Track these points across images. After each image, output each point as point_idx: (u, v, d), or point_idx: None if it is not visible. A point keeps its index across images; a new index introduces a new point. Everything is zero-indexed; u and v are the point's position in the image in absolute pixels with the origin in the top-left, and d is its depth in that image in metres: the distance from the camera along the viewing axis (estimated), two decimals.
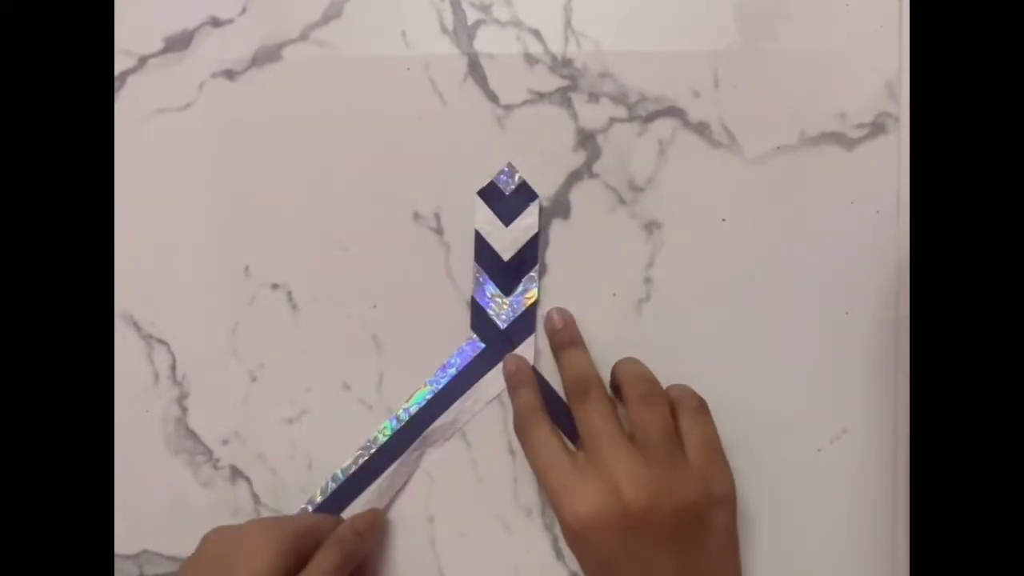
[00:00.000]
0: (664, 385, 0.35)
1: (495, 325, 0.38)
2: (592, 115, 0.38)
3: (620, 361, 0.36)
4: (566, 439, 0.34)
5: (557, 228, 0.38)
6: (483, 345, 0.38)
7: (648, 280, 0.37)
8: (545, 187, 0.38)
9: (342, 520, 0.36)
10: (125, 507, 0.38)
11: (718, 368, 0.36)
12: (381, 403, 0.38)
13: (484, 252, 0.38)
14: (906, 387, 0.36)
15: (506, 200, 0.38)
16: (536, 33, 0.38)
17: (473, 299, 0.38)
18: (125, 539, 0.38)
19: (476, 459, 0.38)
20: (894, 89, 0.37)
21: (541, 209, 0.38)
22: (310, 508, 0.38)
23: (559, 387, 0.37)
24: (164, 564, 0.38)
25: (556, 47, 0.38)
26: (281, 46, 0.39)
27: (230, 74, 0.39)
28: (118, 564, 0.38)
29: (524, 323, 0.37)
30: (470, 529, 0.37)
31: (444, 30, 0.38)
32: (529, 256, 0.37)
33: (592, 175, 0.38)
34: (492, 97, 0.38)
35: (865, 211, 0.37)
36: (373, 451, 0.38)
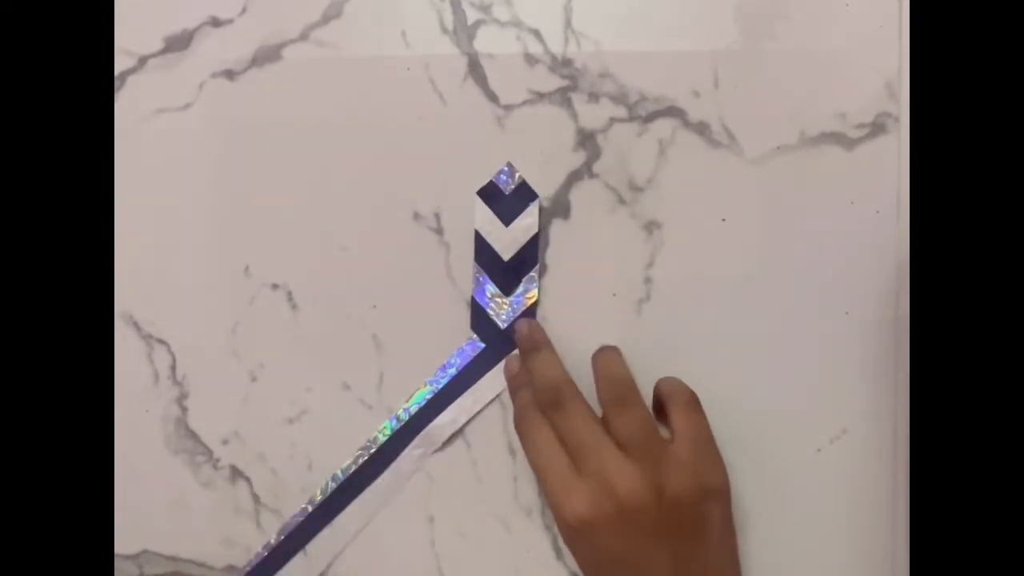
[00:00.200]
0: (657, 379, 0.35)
1: (495, 325, 0.38)
2: (592, 115, 0.38)
3: (596, 355, 0.35)
4: None
5: (557, 228, 0.38)
6: (483, 345, 0.38)
7: (648, 280, 0.37)
8: (545, 187, 0.38)
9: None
10: (125, 507, 0.38)
11: (718, 368, 0.36)
12: (381, 403, 0.38)
13: (484, 252, 0.38)
14: (906, 387, 0.36)
15: (506, 200, 0.38)
16: (536, 33, 0.38)
17: (473, 299, 0.38)
18: (125, 539, 0.38)
19: (476, 459, 0.38)
20: (894, 89, 0.37)
21: (541, 209, 0.38)
22: (310, 508, 0.38)
23: None
24: (164, 564, 0.38)
25: (556, 47, 0.38)
26: (281, 46, 0.39)
27: (230, 74, 0.39)
28: (118, 564, 0.38)
29: None
30: (470, 529, 0.37)
31: (444, 30, 0.38)
32: (529, 256, 0.37)
33: (592, 175, 0.38)
34: (492, 97, 0.38)
35: (865, 211, 0.37)
36: (373, 451, 0.38)
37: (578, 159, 0.38)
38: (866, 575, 0.36)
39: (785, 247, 0.37)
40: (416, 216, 0.38)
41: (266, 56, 0.39)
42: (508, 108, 0.38)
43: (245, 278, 0.39)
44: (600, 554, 0.31)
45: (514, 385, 0.36)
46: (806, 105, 0.37)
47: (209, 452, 0.38)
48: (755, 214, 0.37)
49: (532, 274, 0.38)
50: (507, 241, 0.38)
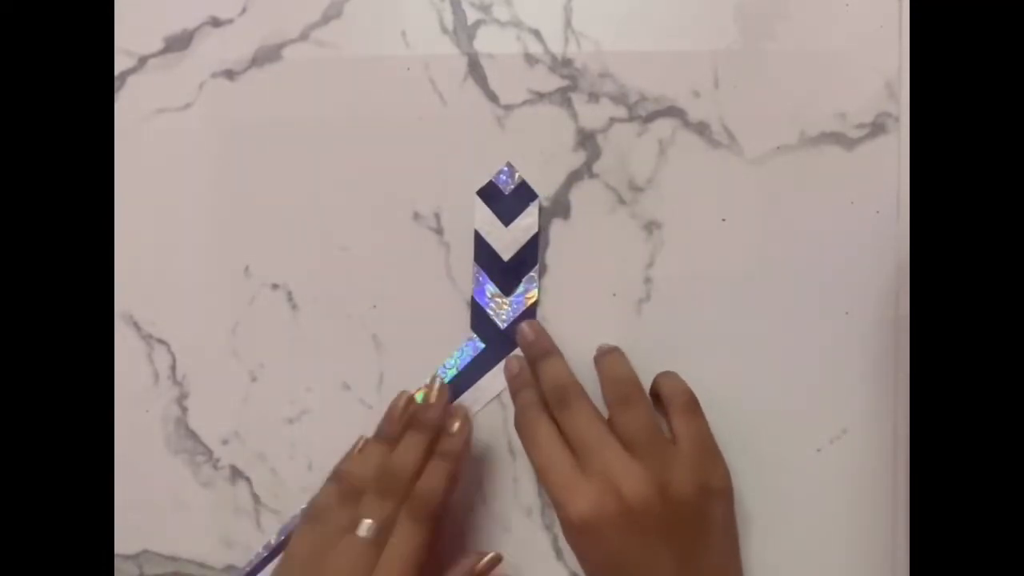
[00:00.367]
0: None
1: (495, 325, 0.38)
2: (592, 115, 0.38)
3: (601, 357, 0.36)
4: None
5: (557, 228, 0.38)
6: (483, 345, 0.38)
7: (648, 280, 0.37)
8: (545, 187, 0.38)
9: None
10: (125, 507, 0.38)
11: (718, 368, 0.36)
12: (381, 403, 0.38)
13: (484, 252, 0.38)
14: (906, 387, 0.36)
15: (506, 200, 0.38)
16: (536, 33, 0.38)
17: (473, 299, 0.38)
18: (125, 539, 0.38)
19: (476, 459, 0.38)
20: (894, 89, 0.37)
21: (541, 209, 0.38)
22: None
23: None
24: (164, 564, 0.38)
25: (556, 47, 0.38)
26: (281, 46, 0.39)
27: (230, 74, 0.39)
28: (118, 564, 0.38)
29: None
30: (470, 529, 0.37)
31: (444, 30, 0.38)
32: (529, 256, 0.37)
33: (592, 175, 0.38)
34: (492, 97, 0.38)
35: (865, 211, 0.37)
36: None
37: (578, 159, 0.38)
38: (866, 575, 0.36)
39: (785, 247, 0.37)
40: (416, 216, 0.38)
41: (266, 56, 0.39)
42: (508, 108, 0.38)
43: (245, 278, 0.39)
44: (603, 553, 0.31)
45: (515, 386, 0.36)
46: (806, 105, 0.37)
47: (209, 452, 0.38)
48: (755, 214, 0.37)
49: (532, 274, 0.38)
50: (507, 241, 0.38)
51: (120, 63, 0.39)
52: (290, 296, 0.38)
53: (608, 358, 0.35)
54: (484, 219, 0.38)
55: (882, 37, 0.37)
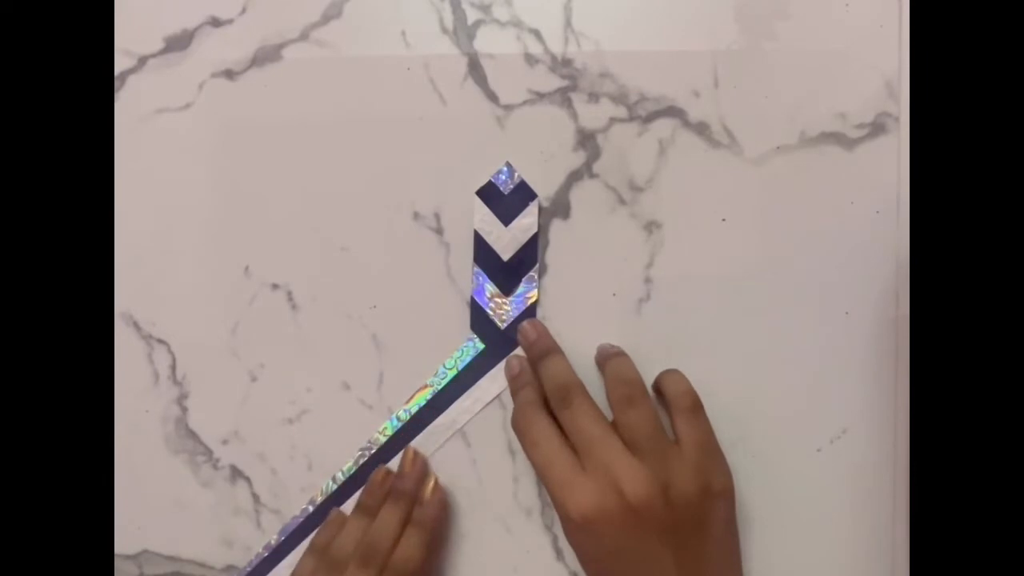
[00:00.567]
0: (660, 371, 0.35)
1: (495, 325, 0.38)
2: (592, 115, 0.38)
3: (606, 360, 0.36)
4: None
5: (557, 228, 0.38)
6: (483, 345, 0.38)
7: (648, 280, 0.37)
8: (545, 187, 0.38)
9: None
10: (125, 507, 0.38)
11: (718, 368, 0.36)
12: (381, 403, 0.38)
13: (483, 252, 0.38)
14: (906, 387, 0.36)
15: (505, 200, 0.38)
16: (536, 33, 0.38)
17: (473, 299, 0.38)
18: (125, 539, 0.38)
19: (476, 459, 0.38)
20: (894, 89, 0.37)
21: (541, 209, 0.38)
22: (311, 508, 0.38)
23: None
24: (164, 564, 0.38)
25: (556, 47, 0.38)
26: (281, 46, 0.39)
27: (230, 74, 0.39)
28: (118, 564, 0.38)
29: None
30: (470, 529, 0.37)
31: (444, 30, 0.38)
32: (529, 256, 0.37)
33: (592, 175, 0.38)
34: (492, 97, 0.38)
35: (865, 211, 0.37)
36: (373, 451, 0.38)
37: (578, 159, 0.38)
38: (866, 575, 0.36)
39: (785, 247, 0.37)
40: (416, 216, 0.38)
41: (266, 56, 0.39)
42: (508, 108, 0.38)
43: (245, 278, 0.39)
44: (603, 550, 0.31)
45: (515, 385, 0.36)
46: (806, 105, 0.37)
47: (209, 452, 0.38)
48: (755, 214, 0.37)
49: (532, 274, 0.38)
50: (507, 241, 0.38)
51: (120, 63, 0.39)
52: (290, 296, 0.38)
53: (613, 360, 0.35)
54: (484, 219, 0.38)
55: (882, 37, 0.37)
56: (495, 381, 0.37)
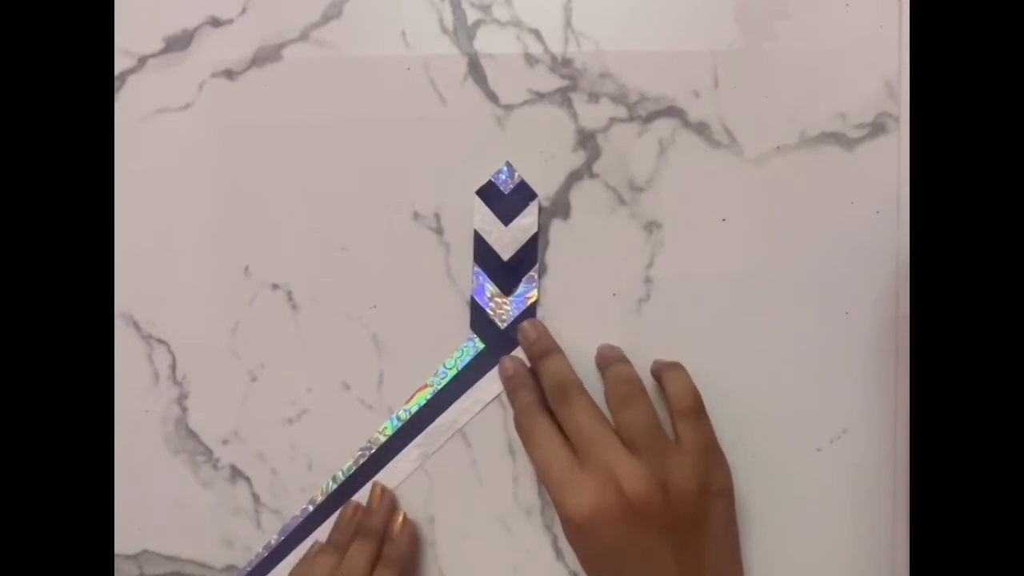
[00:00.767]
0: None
1: (495, 325, 0.38)
2: (592, 115, 0.38)
3: (606, 362, 0.36)
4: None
5: (557, 228, 0.38)
6: (483, 345, 0.38)
7: (648, 280, 0.37)
8: (545, 187, 0.38)
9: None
10: (125, 507, 0.38)
11: (718, 368, 0.36)
12: (381, 403, 0.38)
13: (483, 252, 0.38)
14: (906, 387, 0.36)
15: (505, 200, 0.38)
16: (536, 33, 0.38)
17: (473, 299, 0.38)
18: (125, 539, 0.38)
19: (476, 459, 0.38)
20: (894, 89, 0.37)
21: (541, 209, 0.38)
22: (311, 508, 0.38)
23: None
24: (164, 564, 0.38)
25: (556, 47, 0.38)
26: (281, 46, 0.39)
27: (230, 74, 0.39)
28: (118, 564, 0.38)
29: None
30: (470, 529, 0.37)
31: (444, 30, 0.38)
32: (529, 256, 0.37)
33: (592, 175, 0.38)
34: (492, 97, 0.38)
35: (865, 211, 0.37)
36: (373, 451, 0.38)
37: (578, 159, 0.38)
38: (866, 575, 0.36)
39: (785, 247, 0.37)
40: (416, 216, 0.38)
41: (266, 56, 0.39)
42: (508, 108, 0.38)
43: (245, 278, 0.39)
44: (602, 548, 0.31)
45: (510, 386, 0.36)
46: (806, 105, 0.37)
47: (209, 452, 0.38)
48: (755, 214, 0.37)
49: (532, 274, 0.38)
50: (507, 241, 0.38)
51: (120, 63, 0.39)
52: (290, 296, 0.38)
53: (614, 366, 0.35)
54: (484, 219, 0.38)
55: (882, 37, 0.37)
56: (495, 381, 0.37)
